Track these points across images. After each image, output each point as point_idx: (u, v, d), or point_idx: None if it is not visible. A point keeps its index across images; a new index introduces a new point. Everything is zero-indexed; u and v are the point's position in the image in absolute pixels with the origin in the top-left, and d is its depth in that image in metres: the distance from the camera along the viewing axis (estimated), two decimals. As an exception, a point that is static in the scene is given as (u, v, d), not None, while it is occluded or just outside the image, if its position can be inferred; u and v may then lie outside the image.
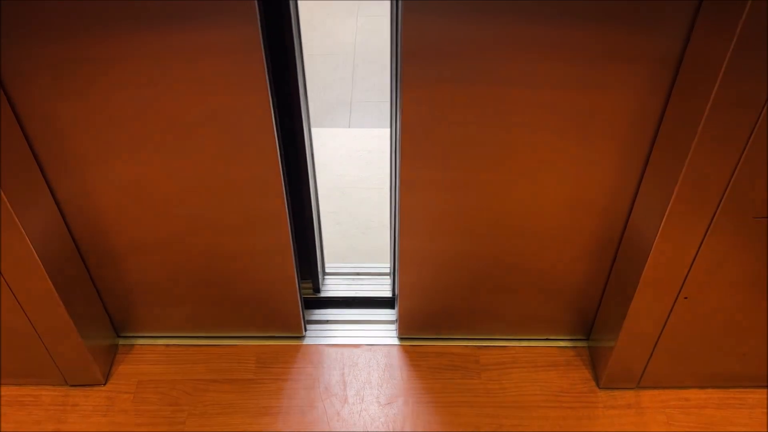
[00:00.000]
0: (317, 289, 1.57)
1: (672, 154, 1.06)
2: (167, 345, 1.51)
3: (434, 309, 1.45)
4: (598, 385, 1.43)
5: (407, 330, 1.50)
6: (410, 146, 1.13)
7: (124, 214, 1.25)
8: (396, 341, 1.51)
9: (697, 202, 1.07)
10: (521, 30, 0.98)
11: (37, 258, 1.16)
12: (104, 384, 1.44)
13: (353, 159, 1.98)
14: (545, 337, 1.51)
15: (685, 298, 1.22)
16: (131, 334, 1.52)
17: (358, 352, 1.50)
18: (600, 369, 1.42)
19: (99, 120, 1.10)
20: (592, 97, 1.06)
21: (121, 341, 1.52)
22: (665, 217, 1.09)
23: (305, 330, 1.53)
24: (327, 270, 1.61)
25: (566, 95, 1.06)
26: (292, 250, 1.32)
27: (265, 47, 1.01)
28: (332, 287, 1.59)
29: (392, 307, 1.57)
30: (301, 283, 1.44)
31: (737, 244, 1.14)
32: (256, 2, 0.96)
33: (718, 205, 1.08)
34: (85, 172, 1.18)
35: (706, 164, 1.02)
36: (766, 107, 0.95)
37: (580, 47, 1.00)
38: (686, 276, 1.19)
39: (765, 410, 1.38)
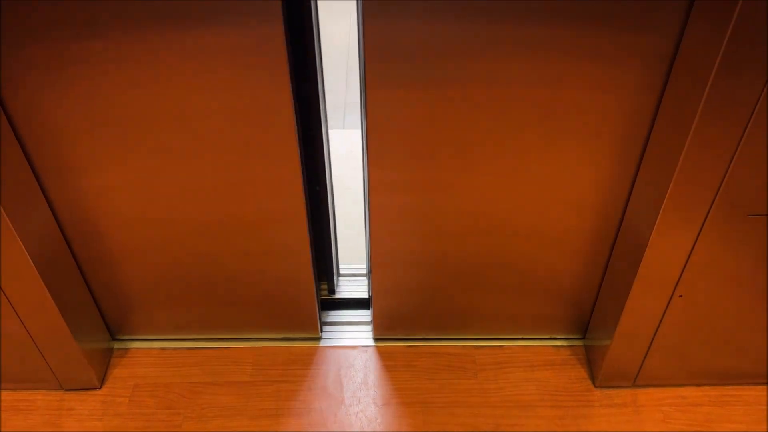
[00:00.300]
0: (332, 291, 1.57)
1: (666, 153, 1.06)
2: (163, 348, 1.50)
3: (418, 309, 1.45)
4: (594, 383, 1.43)
5: (384, 331, 1.50)
6: (378, 147, 1.14)
7: (122, 217, 1.25)
8: (394, 343, 1.51)
9: (691, 200, 1.08)
10: (499, 30, 0.98)
11: (31, 262, 1.15)
12: (100, 388, 1.43)
13: (349, 160, 1.98)
14: (541, 336, 1.51)
15: (680, 296, 1.22)
16: (127, 337, 1.52)
17: (354, 354, 1.50)
18: (596, 367, 1.42)
19: (101, 122, 1.09)
20: (583, 96, 1.07)
21: (117, 344, 1.51)
22: (659, 214, 1.09)
23: (321, 331, 1.53)
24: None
25: (556, 94, 1.06)
26: (310, 251, 1.32)
27: (288, 46, 1.01)
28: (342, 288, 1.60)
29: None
30: (318, 285, 1.44)
31: (732, 242, 1.14)
32: (280, 1, 0.95)
33: (712, 203, 1.08)
34: (81, 176, 1.17)
35: (700, 162, 1.03)
36: (758, 105, 0.96)
37: (570, 46, 1.00)
38: (681, 274, 1.19)
39: (762, 407, 1.39)
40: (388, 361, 1.48)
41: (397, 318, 1.47)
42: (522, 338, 1.51)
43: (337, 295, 1.57)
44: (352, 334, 1.54)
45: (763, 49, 0.89)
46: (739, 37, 0.88)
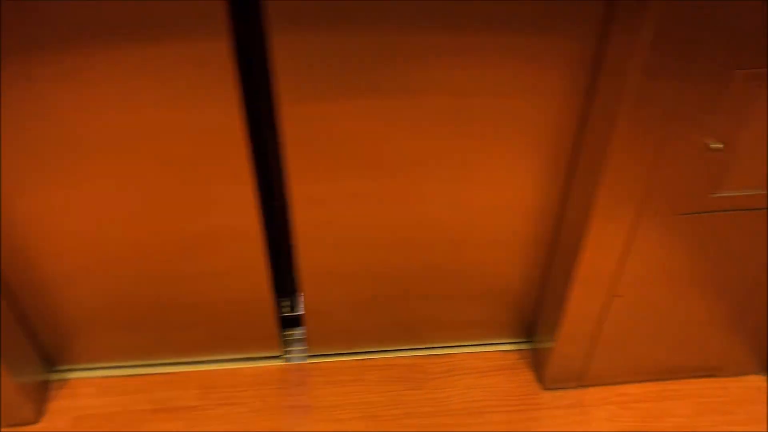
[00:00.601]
0: (295, 307, 1.54)
1: (593, 154, 1.09)
2: (105, 377, 1.45)
3: (363, 322, 1.44)
4: (542, 386, 1.45)
5: (330, 346, 1.49)
6: (299, 161, 1.13)
7: (58, 240, 1.21)
8: (343, 357, 1.50)
9: (620, 201, 1.10)
10: (419, 39, 0.99)
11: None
12: (37, 422, 1.38)
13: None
14: (489, 342, 1.53)
15: (618, 296, 1.25)
16: (66, 367, 1.46)
17: (305, 371, 1.48)
18: (543, 370, 1.44)
19: (34, 142, 1.06)
20: (509, 101, 1.08)
21: (56, 375, 1.46)
22: (591, 216, 1.12)
23: (283, 349, 1.50)
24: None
25: (481, 100, 1.07)
26: (268, 268, 1.30)
27: (236, 59, 0.99)
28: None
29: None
30: (278, 302, 1.41)
31: (664, 241, 1.17)
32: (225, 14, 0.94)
33: (641, 204, 1.11)
34: (10, 198, 1.13)
35: (625, 163, 1.05)
36: (679, 106, 0.99)
37: (492, 52, 1.01)
38: (617, 274, 1.22)
39: (701, 399, 1.43)
40: (337, 376, 1.47)
41: (342, 332, 1.46)
42: (470, 345, 1.52)
43: (300, 312, 1.55)
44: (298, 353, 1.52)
45: (683, 49, 0.92)
46: (659, 37, 0.91)
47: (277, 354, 1.49)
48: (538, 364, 1.47)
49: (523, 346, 1.52)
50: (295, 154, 1.12)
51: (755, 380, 1.45)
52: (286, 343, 1.52)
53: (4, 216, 1.15)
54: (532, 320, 1.47)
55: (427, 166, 1.16)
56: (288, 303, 1.54)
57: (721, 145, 1.02)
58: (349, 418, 1.39)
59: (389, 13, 0.96)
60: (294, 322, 1.56)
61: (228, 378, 1.46)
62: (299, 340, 1.54)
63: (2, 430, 1.36)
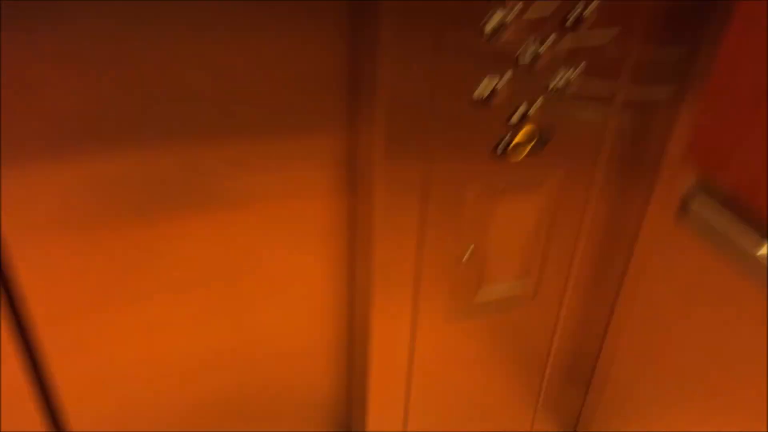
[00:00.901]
0: None
1: (362, 254, 1.07)
2: None
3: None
4: (371, 488, 1.42)
5: None
6: (39, 302, 1.02)
7: None
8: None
9: (392, 309, 1.08)
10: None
11: None
12: None
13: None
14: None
15: (412, 400, 1.25)
16: None
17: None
18: (368, 472, 1.42)
19: None
20: (280, 205, 1.04)
21: None
22: (373, 318, 1.10)
23: None
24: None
25: (249, 209, 1.03)
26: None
27: None
28: None
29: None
30: None
31: (444, 344, 1.16)
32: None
33: (412, 312, 1.09)
34: None
35: (389, 272, 1.03)
36: (426, 217, 0.98)
37: (247, 157, 0.97)
38: (409, 375, 1.22)
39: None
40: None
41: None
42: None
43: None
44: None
45: (416, 162, 0.93)
46: (390, 150, 0.91)
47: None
48: (363, 470, 1.45)
49: (349, 454, 1.49)
50: (32, 294, 1.01)
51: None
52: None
53: None
54: (350, 429, 1.46)
55: (201, 286, 1.09)
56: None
57: (468, 254, 1.06)
58: None
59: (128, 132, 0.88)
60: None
61: None
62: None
63: None
